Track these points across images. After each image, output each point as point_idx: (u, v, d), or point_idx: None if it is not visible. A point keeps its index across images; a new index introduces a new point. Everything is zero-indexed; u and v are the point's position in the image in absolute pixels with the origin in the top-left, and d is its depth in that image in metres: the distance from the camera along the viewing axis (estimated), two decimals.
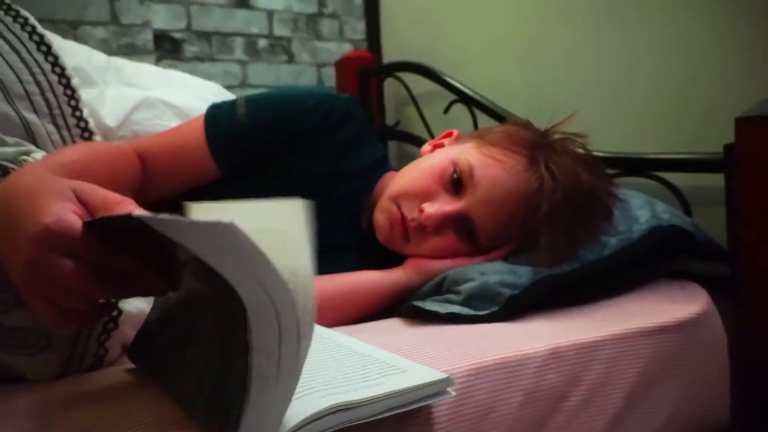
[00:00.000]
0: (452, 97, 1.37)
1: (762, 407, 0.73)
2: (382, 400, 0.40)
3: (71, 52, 0.83)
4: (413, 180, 0.74)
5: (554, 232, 0.66)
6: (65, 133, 0.73)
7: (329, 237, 0.79)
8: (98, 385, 0.50)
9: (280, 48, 1.77)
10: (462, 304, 0.64)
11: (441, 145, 0.83)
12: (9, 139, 0.67)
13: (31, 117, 0.69)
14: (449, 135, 0.84)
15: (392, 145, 1.74)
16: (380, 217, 0.75)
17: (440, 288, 0.70)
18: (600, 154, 1.03)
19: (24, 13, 0.73)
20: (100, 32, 1.49)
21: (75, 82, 0.74)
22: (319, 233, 0.80)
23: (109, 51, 1.50)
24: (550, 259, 0.66)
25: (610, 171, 1.01)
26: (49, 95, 0.71)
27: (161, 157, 0.73)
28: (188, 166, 0.75)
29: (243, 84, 1.70)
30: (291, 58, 1.78)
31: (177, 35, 1.60)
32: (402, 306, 0.68)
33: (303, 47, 1.80)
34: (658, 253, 0.76)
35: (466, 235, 0.72)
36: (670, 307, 0.68)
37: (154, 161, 0.72)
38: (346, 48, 1.87)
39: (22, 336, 0.49)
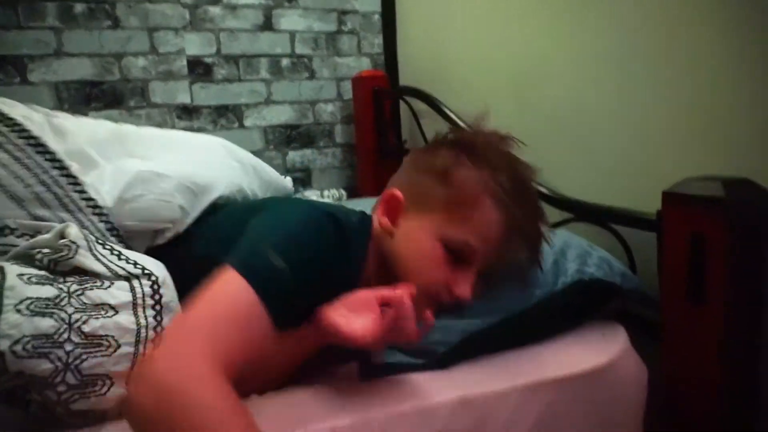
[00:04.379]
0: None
1: None
2: None
3: (74, 135, 0.87)
4: (426, 275, 0.78)
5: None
6: (80, 215, 0.80)
7: None
8: None
9: (302, 65, 1.92)
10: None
11: (396, 216, 0.84)
12: (41, 223, 0.77)
13: (42, 213, 0.78)
14: (395, 200, 0.84)
15: None
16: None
17: None
18: (557, 196, 1.16)
19: (18, 120, 0.81)
20: (141, 61, 1.68)
21: (74, 169, 0.82)
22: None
23: (149, 78, 1.71)
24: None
25: (564, 215, 1.14)
26: (56, 189, 0.80)
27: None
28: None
29: (267, 101, 1.87)
30: (312, 75, 1.94)
31: (208, 60, 1.78)
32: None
33: (323, 63, 1.95)
34: (584, 301, 0.90)
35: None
36: (580, 356, 0.82)
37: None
38: (365, 62, 2.01)
39: None
